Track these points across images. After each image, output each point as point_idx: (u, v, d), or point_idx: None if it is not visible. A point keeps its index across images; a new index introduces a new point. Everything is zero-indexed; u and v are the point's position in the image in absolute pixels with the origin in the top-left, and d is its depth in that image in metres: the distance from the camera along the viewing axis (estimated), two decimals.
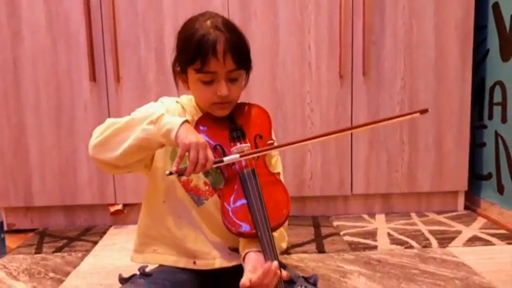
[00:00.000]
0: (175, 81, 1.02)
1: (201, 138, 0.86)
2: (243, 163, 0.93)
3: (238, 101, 1.03)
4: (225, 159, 0.89)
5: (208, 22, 0.93)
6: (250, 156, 0.92)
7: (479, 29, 1.67)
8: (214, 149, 0.96)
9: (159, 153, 0.99)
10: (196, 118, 1.01)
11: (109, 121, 0.93)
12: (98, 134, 0.92)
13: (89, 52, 1.56)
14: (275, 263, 0.79)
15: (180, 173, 0.86)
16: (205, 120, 1.00)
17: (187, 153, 0.85)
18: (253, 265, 0.83)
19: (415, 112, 0.91)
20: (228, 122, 1.00)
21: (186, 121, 0.87)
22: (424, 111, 0.91)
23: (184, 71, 0.97)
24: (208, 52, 0.90)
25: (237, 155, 0.89)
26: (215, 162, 0.87)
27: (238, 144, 0.95)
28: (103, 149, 0.91)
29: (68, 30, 1.56)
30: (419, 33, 1.61)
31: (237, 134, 0.97)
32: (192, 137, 0.85)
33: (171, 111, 1.01)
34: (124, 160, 0.92)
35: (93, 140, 0.92)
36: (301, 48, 1.60)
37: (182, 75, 0.99)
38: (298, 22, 1.58)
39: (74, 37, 1.57)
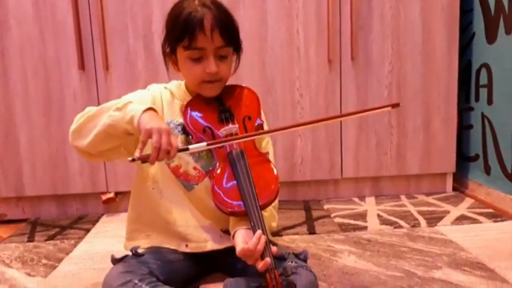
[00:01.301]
0: (166, 63, 1.03)
1: (165, 124, 0.86)
2: (234, 145, 0.95)
3: (227, 83, 1.04)
4: (190, 147, 0.87)
5: (196, 1, 0.95)
6: (218, 144, 0.91)
7: (465, 12, 1.69)
8: (203, 131, 0.97)
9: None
10: (186, 103, 1.02)
11: (87, 109, 0.95)
12: (75, 121, 0.95)
13: (77, 40, 1.55)
14: (264, 236, 0.81)
15: (143, 160, 0.84)
16: (194, 102, 1.01)
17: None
18: (244, 240, 0.84)
19: (388, 106, 0.93)
20: (216, 104, 1.01)
21: (151, 108, 0.87)
22: (395, 105, 0.92)
23: (174, 51, 0.98)
24: (196, 28, 0.91)
25: (204, 143, 0.88)
26: (180, 150, 0.86)
27: (227, 125, 0.97)
28: (77, 136, 0.94)
29: (55, 18, 1.55)
30: (406, 17, 1.63)
31: (226, 115, 0.98)
32: (154, 122, 0.84)
33: (157, 98, 1.02)
34: (95, 147, 0.94)
35: (71, 127, 0.95)
36: (290, 34, 1.60)
37: (172, 56, 1.00)
38: (286, 7, 1.59)
39: (62, 25, 1.56)
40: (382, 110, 0.94)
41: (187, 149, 0.87)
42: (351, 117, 0.97)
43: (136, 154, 0.83)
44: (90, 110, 0.94)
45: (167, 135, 0.83)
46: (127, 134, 0.90)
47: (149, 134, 0.83)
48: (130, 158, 0.85)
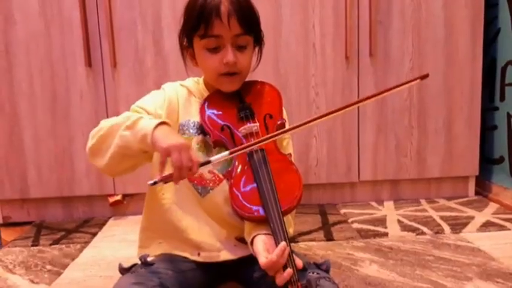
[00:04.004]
0: (183, 57, 0.97)
1: (182, 139, 0.79)
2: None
3: (247, 79, 0.98)
4: (212, 159, 0.81)
5: None
6: (241, 151, 0.83)
7: (490, 7, 1.61)
8: (221, 129, 0.91)
9: None
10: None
11: (101, 124, 0.89)
12: (90, 138, 0.89)
13: (84, 36, 1.49)
14: (288, 248, 0.74)
15: (165, 181, 0.77)
16: (212, 99, 0.95)
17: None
18: (266, 247, 0.77)
19: (416, 79, 0.86)
20: (236, 100, 0.95)
21: (163, 123, 0.80)
22: (424, 77, 0.85)
23: (191, 44, 0.92)
24: (212, 13, 0.85)
25: (227, 152, 0.82)
26: (201, 164, 0.79)
27: (246, 124, 0.90)
28: (94, 156, 0.89)
29: (62, 13, 1.50)
30: (428, 11, 1.55)
31: (246, 113, 0.92)
32: (171, 139, 0.77)
33: (173, 98, 0.96)
34: (113, 168, 0.89)
35: (88, 145, 0.90)
36: (305, 28, 1.53)
37: (189, 50, 0.94)
38: (301, 0, 1.52)
39: (68, 20, 1.50)
40: (410, 84, 0.86)
41: (209, 162, 0.81)
42: (383, 96, 0.88)
43: (158, 177, 0.77)
44: (102, 127, 0.87)
45: (187, 150, 0.77)
46: (143, 152, 0.84)
47: (167, 153, 0.76)
48: (151, 182, 0.77)
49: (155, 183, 0.77)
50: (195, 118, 0.95)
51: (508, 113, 1.57)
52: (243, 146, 0.84)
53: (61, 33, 1.51)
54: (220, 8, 0.85)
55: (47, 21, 1.50)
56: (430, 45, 1.56)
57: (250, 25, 0.89)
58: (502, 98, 1.60)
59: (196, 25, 0.88)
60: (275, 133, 0.87)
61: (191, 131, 0.94)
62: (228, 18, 0.86)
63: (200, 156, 0.91)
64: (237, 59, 0.89)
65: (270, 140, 0.86)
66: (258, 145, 0.85)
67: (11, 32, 1.50)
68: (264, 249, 0.77)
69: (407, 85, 0.88)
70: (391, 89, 0.87)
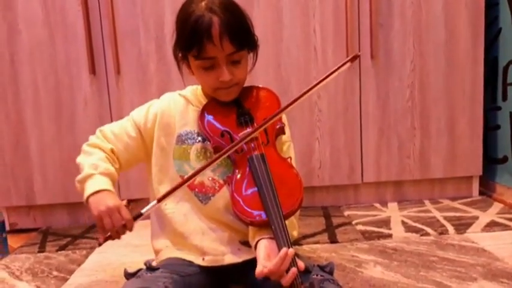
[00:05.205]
0: (179, 67, 0.98)
1: (114, 200, 0.85)
2: (254, 150, 0.89)
3: (246, 85, 0.99)
4: (143, 211, 0.85)
5: (203, 3, 0.88)
6: (166, 199, 0.86)
7: (491, 6, 1.61)
8: (221, 135, 0.92)
9: (157, 156, 0.97)
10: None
11: (89, 141, 1.01)
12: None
13: (88, 44, 1.51)
14: (291, 250, 0.75)
15: (109, 239, 0.86)
16: (211, 106, 0.96)
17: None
18: (267, 253, 0.78)
19: (347, 61, 0.90)
20: (235, 106, 0.96)
21: (100, 191, 0.87)
22: (355, 58, 0.89)
23: (186, 57, 0.93)
24: (203, 38, 0.85)
25: (155, 202, 0.85)
26: (135, 218, 0.85)
27: (246, 129, 0.91)
28: None
29: (65, 21, 1.52)
30: (428, 13, 1.55)
31: (245, 118, 0.93)
32: (101, 205, 0.84)
33: (166, 109, 0.98)
34: None
35: None
36: (306, 33, 1.54)
37: (185, 61, 0.95)
38: (302, 5, 1.53)
39: (72, 29, 1.52)
40: (343, 67, 0.90)
41: (141, 215, 0.85)
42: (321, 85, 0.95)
43: (100, 240, 0.86)
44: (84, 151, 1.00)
45: (117, 212, 0.84)
46: None
47: (100, 219, 0.84)
48: (98, 244, 0.88)
49: (100, 244, 0.87)
50: (193, 127, 0.96)
51: (510, 113, 1.57)
52: (169, 191, 0.86)
53: (65, 41, 1.53)
54: (211, 31, 0.85)
55: (51, 29, 1.52)
56: (431, 46, 1.57)
57: (242, 42, 0.89)
58: (505, 98, 1.59)
59: (188, 46, 0.88)
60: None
61: (190, 140, 0.95)
62: (220, 40, 0.85)
63: (200, 164, 0.92)
64: (232, 75, 0.90)
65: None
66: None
67: (16, 41, 1.52)
68: (265, 255, 0.78)
69: (341, 69, 0.91)
70: (326, 77, 0.92)
